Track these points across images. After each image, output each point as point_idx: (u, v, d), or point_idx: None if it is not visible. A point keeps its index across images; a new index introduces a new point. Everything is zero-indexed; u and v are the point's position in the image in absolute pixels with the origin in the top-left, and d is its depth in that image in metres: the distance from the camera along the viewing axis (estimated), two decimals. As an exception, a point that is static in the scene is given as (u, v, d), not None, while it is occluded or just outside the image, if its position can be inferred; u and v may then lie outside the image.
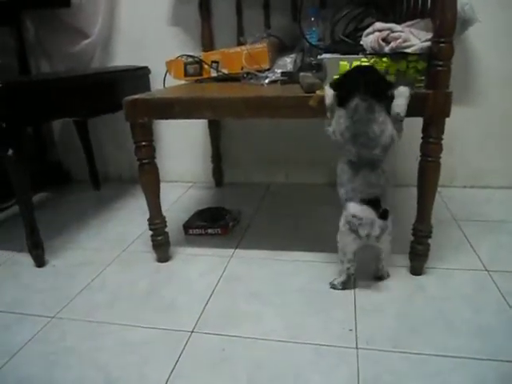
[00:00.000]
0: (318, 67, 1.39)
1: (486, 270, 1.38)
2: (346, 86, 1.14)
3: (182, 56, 1.70)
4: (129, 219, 1.89)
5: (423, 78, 1.21)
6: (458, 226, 1.68)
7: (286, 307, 1.24)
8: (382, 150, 1.14)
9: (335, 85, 1.17)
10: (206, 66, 1.66)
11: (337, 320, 1.17)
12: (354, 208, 1.19)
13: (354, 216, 1.18)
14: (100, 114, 2.02)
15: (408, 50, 1.17)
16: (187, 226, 1.72)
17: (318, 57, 1.39)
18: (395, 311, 1.20)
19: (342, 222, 1.23)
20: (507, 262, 1.41)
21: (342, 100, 1.15)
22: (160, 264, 1.51)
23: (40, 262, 1.53)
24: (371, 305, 1.22)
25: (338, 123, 1.17)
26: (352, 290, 1.29)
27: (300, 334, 1.13)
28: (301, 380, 0.98)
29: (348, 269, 1.27)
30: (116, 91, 1.84)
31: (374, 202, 1.18)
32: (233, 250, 1.57)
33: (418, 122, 1.23)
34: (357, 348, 1.07)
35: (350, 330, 1.13)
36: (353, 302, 1.24)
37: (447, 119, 1.20)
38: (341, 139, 1.17)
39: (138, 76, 2.03)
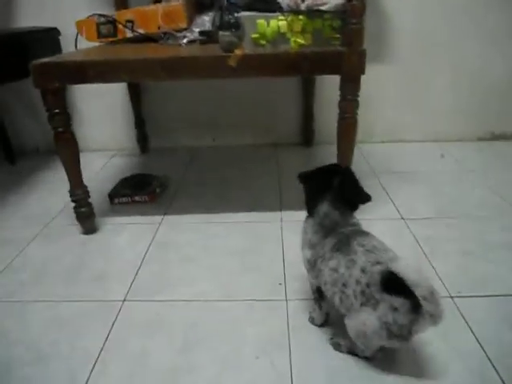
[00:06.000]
0: (237, 26, 1.36)
1: (403, 218, 1.48)
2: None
3: (93, 15, 1.59)
4: (49, 192, 1.80)
5: (339, 36, 1.23)
6: (377, 178, 1.78)
7: (218, 268, 1.26)
8: None
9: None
10: (120, 26, 1.57)
11: (267, 276, 1.21)
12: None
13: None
14: (6, 82, 1.86)
15: (323, 8, 1.19)
16: (112, 195, 1.67)
17: (236, 15, 1.37)
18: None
19: (365, 321, 0.84)
20: (420, 210, 1.53)
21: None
22: (86, 236, 1.46)
23: (-48, 244, 1.42)
24: (299, 259, 1.27)
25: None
26: (281, 247, 1.34)
27: (233, 293, 1.16)
28: (235, 334, 1.02)
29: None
30: (22, 55, 1.70)
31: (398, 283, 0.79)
32: (162, 217, 1.56)
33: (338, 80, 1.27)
34: (286, 300, 1.12)
35: (280, 284, 1.18)
36: (282, 258, 1.29)
37: (365, 78, 1.24)
38: None
39: (47, 38, 1.89)
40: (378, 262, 0.84)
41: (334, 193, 0.94)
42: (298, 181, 1.00)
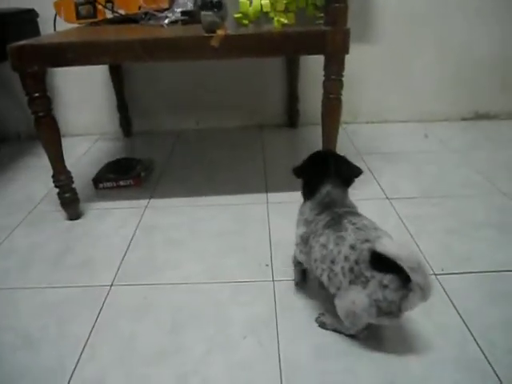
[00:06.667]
0: (219, 5, 1.34)
1: (387, 198, 1.49)
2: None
3: (71, -4, 1.56)
4: (32, 179, 1.77)
5: (322, 15, 1.22)
6: (361, 159, 1.79)
7: (204, 251, 1.26)
8: None
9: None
10: (99, 7, 1.54)
11: (254, 258, 1.22)
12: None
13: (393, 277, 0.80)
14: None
15: (306, -14, 1.17)
16: (97, 180, 1.65)
17: (218, -6, 1.34)
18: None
19: (354, 299, 0.84)
20: (405, 190, 1.54)
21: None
22: (71, 222, 1.45)
23: None
24: (286, 240, 1.28)
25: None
26: (267, 228, 1.35)
27: (219, 275, 1.16)
28: (222, 315, 1.03)
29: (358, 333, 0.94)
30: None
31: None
32: (147, 200, 1.55)
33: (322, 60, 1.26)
34: (273, 281, 1.13)
35: (267, 265, 1.19)
36: (268, 239, 1.30)
37: (350, 58, 1.23)
38: None
39: (24, 20, 1.83)
40: (368, 240, 0.84)
41: (332, 173, 0.97)
42: (293, 175, 1.01)
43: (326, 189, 0.96)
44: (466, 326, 0.96)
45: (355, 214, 0.95)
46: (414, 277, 0.78)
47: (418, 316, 0.98)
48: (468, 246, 1.23)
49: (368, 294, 0.82)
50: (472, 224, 1.33)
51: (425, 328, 0.96)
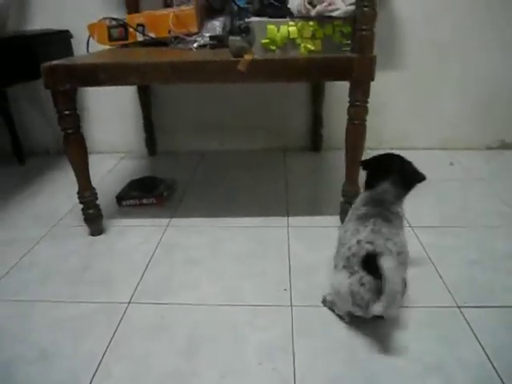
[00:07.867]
0: (247, 31, 1.37)
1: (410, 226, 1.47)
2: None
3: (105, 19, 1.61)
4: (58, 193, 1.81)
5: (349, 42, 1.23)
6: (385, 185, 1.77)
7: (223, 272, 1.26)
8: None
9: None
10: (131, 30, 1.59)
11: (272, 281, 1.21)
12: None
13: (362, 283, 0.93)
14: (18, 83, 1.88)
15: (333, 14, 1.19)
16: (120, 198, 1.67)
17: (246, 20, 1.37)
18: (328, 270, 1.25)
19: (341, 281, 0.99)
20: (428, 219, 1.52)
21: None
22: (93, 237, 1.47)
23: (-39, 243, 1.43)
24: (305, 265, 1.27)
25: None
26: (287, 252, 1.34)
27: (237, 297, 1.15)
28: (238, 338, 1.02)
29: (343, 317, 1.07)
30: (35, 57, 1.71)
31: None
32: (168, 220, 1.56)
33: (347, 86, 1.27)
34: (291, 306, 1.12)
35: (285, 289, 1.18)
36: (287, 263, 1.29)
37: (374, 85, 1.23)
38: None
39: (59, 41, 1.91)
40: (372, 243, 0.96)
41: (394, 172, 1.09)
42: (361, 167, 1.18)
43: (383, 186, 1.08)
44: (490, 361, 0.93)
45: (388, 219, 1.03)
46: (384, 298, 0.89)
47: (441, 350, 0.95)
48: (492, 277, 1.20)
49: (350, 283, 0.96)
50: (496, 255, 1.29)
51: (447, 362, 0.93)
